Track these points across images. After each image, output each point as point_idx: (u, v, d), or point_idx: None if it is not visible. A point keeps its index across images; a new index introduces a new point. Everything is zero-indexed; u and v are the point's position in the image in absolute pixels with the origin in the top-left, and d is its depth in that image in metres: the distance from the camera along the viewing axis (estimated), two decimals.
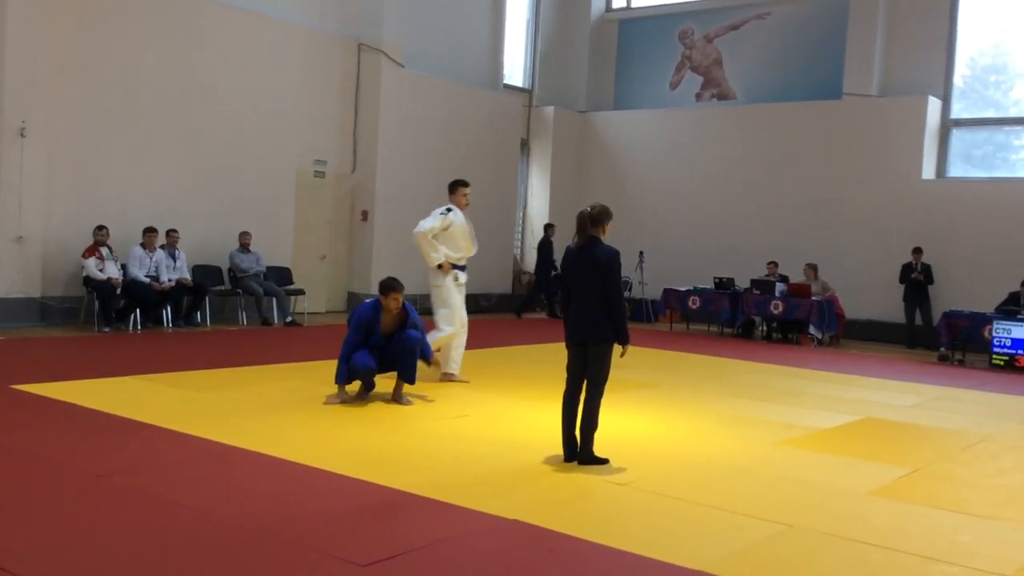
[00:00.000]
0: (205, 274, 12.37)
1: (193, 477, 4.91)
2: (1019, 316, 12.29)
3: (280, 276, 13.15)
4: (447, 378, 8.36)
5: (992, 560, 4.21)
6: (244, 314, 12.52)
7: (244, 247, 12.57)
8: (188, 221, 12.23)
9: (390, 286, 7.14)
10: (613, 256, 5.55)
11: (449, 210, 8.41)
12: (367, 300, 7.47)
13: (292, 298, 13.04)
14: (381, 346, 7.24)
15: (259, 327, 12.18)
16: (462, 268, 8.52)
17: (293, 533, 4.08)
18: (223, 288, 12.55)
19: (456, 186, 8.52)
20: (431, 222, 8.32)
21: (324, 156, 14.45)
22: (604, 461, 5.54)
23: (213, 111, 12.69)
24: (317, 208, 14.42)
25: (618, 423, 6.74)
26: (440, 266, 8.31)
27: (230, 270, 12.58)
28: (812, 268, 14.67)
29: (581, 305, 5.58)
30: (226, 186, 12.90)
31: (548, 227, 16.76)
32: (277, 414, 6.58)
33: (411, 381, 7.27)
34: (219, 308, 12.49)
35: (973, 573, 4.02)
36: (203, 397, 7.07)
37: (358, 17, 14.71)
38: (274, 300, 12.59)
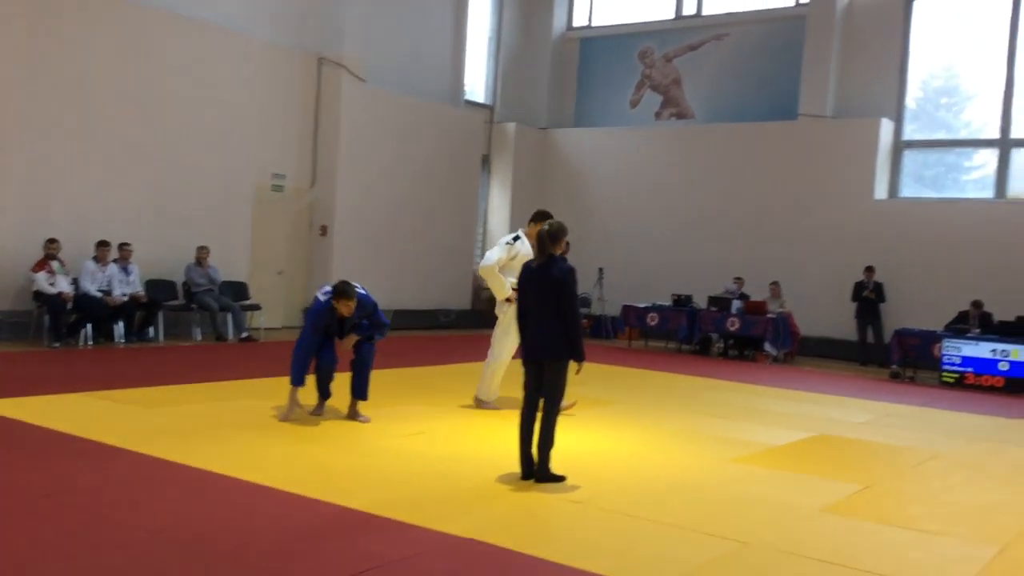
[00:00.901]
0: (159, 288, 12.19)
1: (143, 497, 4.82)
2: (968, 335, 12.54)
3: (236, 291, 13.00)
4: (481, 405, 8.06)
5: None
6: (198, 329, 12.34)
7: (200, 262, 12.41)
8: (142, 235, 12.05)
9: (343, 291, 6.99)
10: (569, 274, 5.58)
11: (517, 238, 8.03)
12: (322, 296, 7.16)
13: (248, 313, 12.90)
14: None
15: (213, 343, 12.02)
16: None
17: (245, 554, 4.01)
18: (177, 303, 12.38)
19: (538, 218, 7.73)
20: (497, 253, 7.92)
21: (283, 170, 14.35)
22: (561, 478, 5.54)
23: (168, 124, 12.54)
24: (275, 222, 14.30)
25: (576, 440, 6.75)
26: (509, 299, 7.86)
27: (185, 284, 12.41)
28: (775, 285, 14.87)
29: (538, 323, 5.59)
30: (181, 200, 12.74)
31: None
32: (229, 432, 6.49)
33: (363, 396, 7.23)
34: (173, 323, 12.31)
35: None
36: (154, 414, 6.95)
37: (319, 31, 14.66)
38: (229, 315, 12.44)
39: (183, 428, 6.51)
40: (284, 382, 8.72)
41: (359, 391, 7.21)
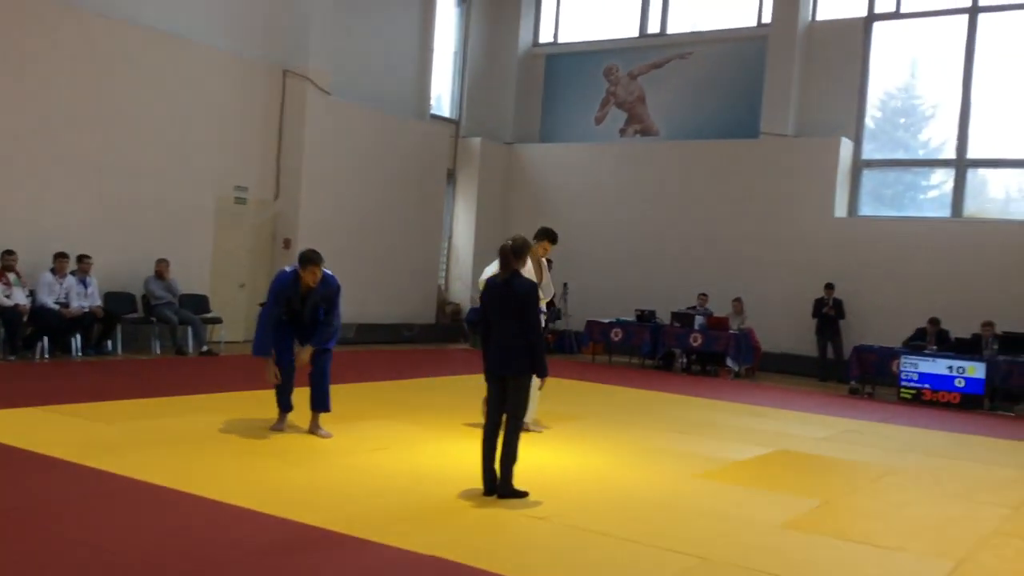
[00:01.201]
0: (118, 301, 12.01)
1: (98, 513, 4.73)
2: (925, 351, 12.74)
3: (197, 304, 12.85)
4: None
5: None
6: (158, 343, 12.17)
7: (159, 274, 12.25)
8: (101, 247, 11.88)
9: (309, 258, 6.82)
10: (532, 289, 5.59)
11: None
12: (288, 268, 7.07)
13: (209, 327, 12.75)
14: (300, 330, 7.05)
15: (173, 356, 11.86)
16: None
17: (202, 573, 3.95)
18: (136, 316, 12.20)
19: (542, 236, 7.82)
20: (491, 269, 7.59)
21: (245, 183, 14.24)
22: (524, 494, 5.53)
23: (128, 135, 12.40)
24: (237, 235, 14.17)
25: (539, 456, 6.75)
26: None
27: (144, 297, 12.25)
28: (738, 301, 15.01)
29: (501, 339, 5.59)
30: (141, 211, 12.59)
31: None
32: (187, 447, 6.40)
33: (325, 408, 7.11)
34: (132, 336, 12.13)
35: None
36: (111, 429, 6.83)
37: (284, 43, 14.60)
38: (189, 329, 12.29)
39: (139, 443, 6.41)
40: (245, 396, 8.65)
41: (320, 403, 7.11)
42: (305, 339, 7.08)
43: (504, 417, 5.60)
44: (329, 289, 7.03)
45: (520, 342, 5.52)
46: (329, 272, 7.04)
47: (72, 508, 4.78)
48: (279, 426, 7.20)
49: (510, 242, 5.68)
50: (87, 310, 11.16)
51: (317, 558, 4.26)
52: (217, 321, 12.98)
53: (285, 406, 7.24)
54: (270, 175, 14.65)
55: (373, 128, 15.79)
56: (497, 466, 5.56)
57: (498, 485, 5.54)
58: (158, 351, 12.06)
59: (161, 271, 12.25)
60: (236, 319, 13.91)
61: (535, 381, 5.69)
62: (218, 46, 13.61)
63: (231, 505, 4.98)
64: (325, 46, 14.86)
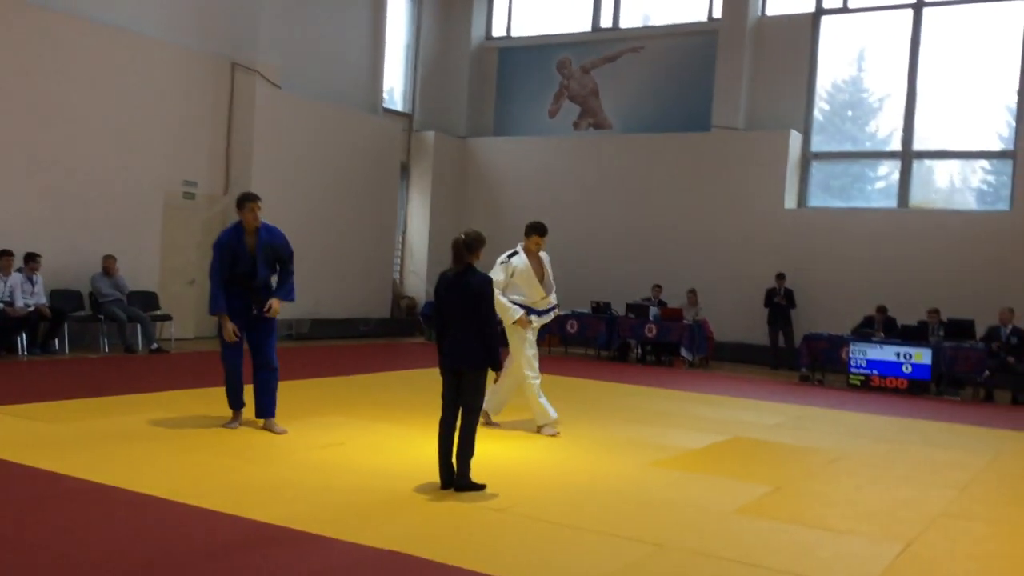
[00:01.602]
0: (64, 299, 11.77)
1: (50, 516, 4.62)
2: (873, 339, 12.99)
3: (145, 301, 12.64)
4: (542, 431, 7.65)
5: (850, 574, 4.39)
6: (106, 341, 11.94)
7: (107, 271, 12.02)
8: (46, 243, 11.62)
9: (245, 196, 6.92)
10: (486, 283, 5.59)
11: (513, 255, 7.75)
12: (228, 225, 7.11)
13: (158, 324, 12.55)
14: (255, 295, 7.00)
15: (122, 354, 11.64)
16: (538, 313, 7.78)
17: (156, 573, 3.89)
18: (83, 314, 11.96)
19: (531, 231, 7.79)
20: (495, 276, 7.48)
21: (194, 177, 14.01)
22: (481, 487, 5.53)
23: (74, 130, 12.14)
24: (186, 231, 13.95)
25: (496, 448, 6.75)
26: (518, 322, 7.57)
27: (91, 295, 12.00)
28: (693, 293, 15.16)
29: (456, 333, 5.57)
30: (87, 207, 12.33)
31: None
32: (138, 446, 6.29)
33: (271, 415, 7.07)
34: (79, 335, 11.89)
35: None
36: (59, 430, 6.69)
37: (232, 36, 14.38)
38: (139, 326, 12.07)
39: (89, 443, 6.28)
40: (198, 394, 8.54)
41: (266, 411, 7.03)
42: (261, 304, 6.98)
43: (460, 411, 5.59)
44: (276, 239, 7.04)
45: (474, 337, 5.51)
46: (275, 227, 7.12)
47: (27, 512, 4.67)
48: (233, 424, 7.12)
49: (463, 236, 5.65)
50: (32, 309, 10.91)
51: (273, 556, 4.22)
52: (167, 318, 12.78)
53: (237, 404, 7.17)
54: (219, 170, 14.44)
55: (324, 122, 15.64)
56: (454, 460, 5.55)
57: (455, 478, 5.53)
58: (107, 349, 11.83)
59: (108, 268, 12.02)
60: (186, 316, 13.71)
61: (489, 374, 5.69)
62: (165, 39, 13.36)
63: (184, 504, 4.91)
64: (274, 39, 14.68)
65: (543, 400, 7.66)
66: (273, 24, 14.65)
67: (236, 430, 7.00)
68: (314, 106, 15.47)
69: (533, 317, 7.73)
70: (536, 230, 7.78)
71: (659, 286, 15.58)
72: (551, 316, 7.99)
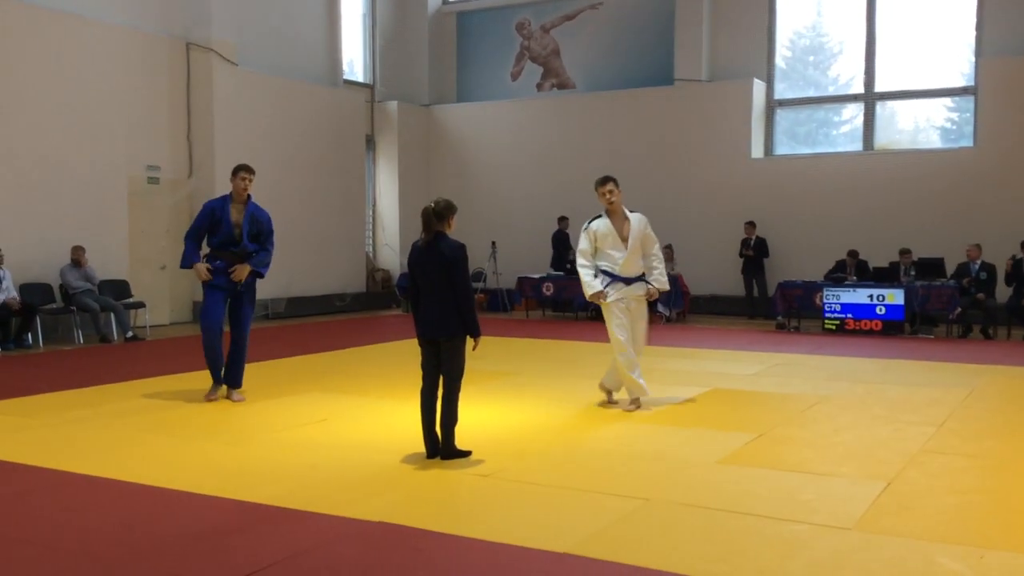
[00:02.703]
0: (34, 292, 11.61)
1: (31, 509, 4.60)
2: (846, 283, 13.12)
3: (117, 290, 12.50)
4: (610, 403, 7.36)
5: (833, 515, 4.47)
6: (80, 332, 11.82)
7: (76, 262, 11.86)
8: (11, 237, 11.44)
9: (240, 166, 7.30)
10: (459, 250, 5.56)
11: (597, 217, 7.25)
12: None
13: (132, 312, 12.43)
14: (231, 298, 7.40)
15: (97, 345, 11.53)
16: (625, 281, 7.18)
17: (144, 559, 3.89)
18: (55, 306, 11.82)
19: (595, 185, 7.28)
20: (580, 245, 7.21)
21: (157, 162, 13.81)
22: (467, 453, 5.56)
23: (30, 120, 11.90)
24: (153, 216, 13.78)
25: (479, 414, 6.77)
26: (597, 295, 7.15)
27: (62, 287, 11.86)
28: (668, 249, 15.19)
29: (430, 302, 5.56)
30: (50, 199, 12.13)
31: (561, 219, 15.98)
32: (118, 435, 6.26)
33: (238, 384, 7.50)
34: (52, 327, 11.76)
35: (817, 529, 4.26)
36: (36, 423, 6.63)
37: (185, 15, 14.11)
38: (112, 315, 11.95)
39: (67, 435, 6.24)
40: (176, 380, 8.50)
41: (235, 380, 7.45)
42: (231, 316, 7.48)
43: (441, 380, 5.60)
44: (261, 214, 7.45)
45: (449, 304, 5.50)
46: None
47: (8, 506, 4.64)
48: (212, 395, 7.38)
49: (432, 204, 5.61)
50: (2, 303, 10.76)
51: (264, 534, 4.22)
52: (140, 306, 12.66)
53: (217, 378, 7.45)
54: (182, 152, 14.24)
55: (285, 98, 15.44)
56: (438, 429, 5.57)
57: (440, 447, 5.55)
58: (81, 340, 11.72)
59: (78, 259, 11.86)
60: (160, 302, 13.60)
61: (469, 342, 5.69)
62: (115, 21, 13.09)
63: (170, 489, 4.90)
64: (228, 16, 14.41)
65: (633, 374, 7.13)
66: (226, 1, 14.37)
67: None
68: (273, 82, 15.26)
69: (620, 286, 7.14)
70: (599, 180, 7.29)
71: None
72: (644, 286, 7.26)
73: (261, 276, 7.45)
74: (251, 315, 7.53)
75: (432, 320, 5.55)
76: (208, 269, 7.22)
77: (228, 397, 7.41)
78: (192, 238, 7.34)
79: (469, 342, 5.63)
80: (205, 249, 7.45)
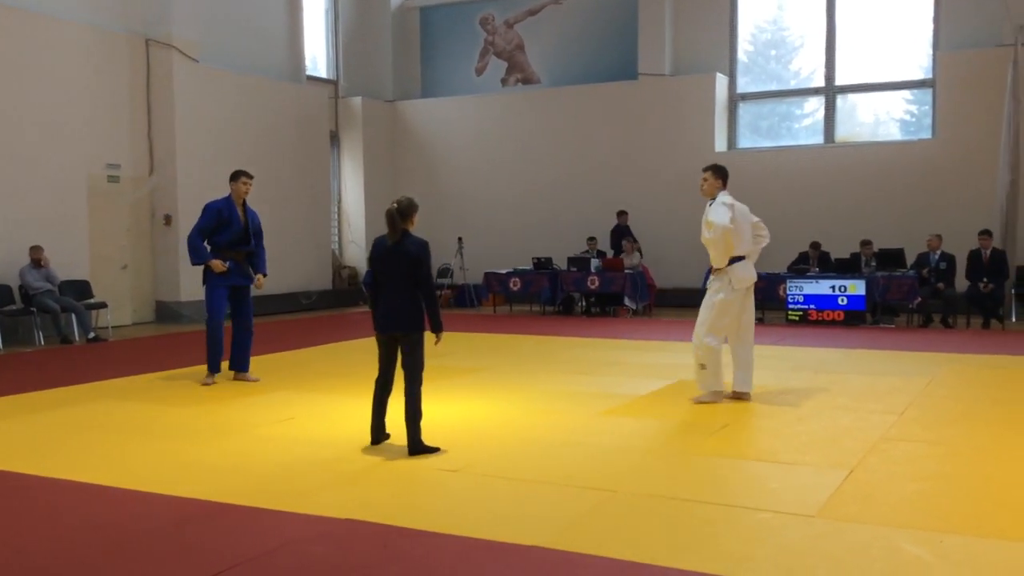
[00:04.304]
0: None
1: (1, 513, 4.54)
2: (809, 274, 13.28)
3: (78, 290, 12.33)
4: (736, 396, 7.18)
5: (797, 503, 4.54)
6: (40, 334, 11.64)
7: (36, 262, 11.68)
8: None
9: (239, 171, 8.06)
10: (423, 247, 5.63)
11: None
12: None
13: (93, 312, 12.26)
14: (232, 293, 8.17)
15: (59, 346, 11.37)
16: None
17: (112, 560, 3.85)
18: (15, 308, 11.63)
19: (720, 172, 7.40)
20: (727, 212, 7.04)
21: (117, 159, 13.63)
22: (435, 450, 5.56)
23: None
24: (114, 215, 13.60)
25: (447, 410, 6.77)
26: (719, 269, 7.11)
27: (21, 288, 11.67)
28: (630, 242, 15.28)
29: (391, 297, 5.61)
30: (8, 198, 11.93)
31: (621, 213, 15.77)
32: (84, 436, 6.18)
33: (245, 369, 8.23)
34: (12, 329, 11.57)
35: (782, 517, 4.32)
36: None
37: (144, 11, 13.93)
38: (73, 316, 11.78)
39: (30, 438, 6.16)
40: (140, 380, 8.42)
41: (242, 365, 8.20)
42: (247, 272, 8.27)
43: (403, 376, 5.63)
44: (255, 216, 8.29)
45: (408, 300, 5.56)
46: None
47: None
48: (209, 381, 8.00)
49: (395, 205, 5.66)
50: None
51: (233, 533, 4.20)
52: (102, 306, 12.49)
53: (216, 368, 8.07)
54: (142, 150, 14.06)
55: (247, 94, 15.30)
56: (404, 422, 5.59)
57: (407, 443, 5.57)
58: (42, 342, 11.54)
59: (37, 259, 11.68)
60: (122, 302, 13.43)
61: (431, 336, 5.73)
62: (75, 19, 12.88)
63: (137, 491, 4.85)
64: (188, 12, 14.24)
65: (729, 373, 7.17)
66: None
67: (186, 409, 6.93)
68: (235, 78, 15.11)
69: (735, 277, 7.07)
70: (723, 173, 7.41)
71: (593, 238, 15.67)
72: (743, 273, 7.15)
73: (265, 275, 8.39)
74: (252, 308, 8.37)
75: (391, 315, 5.60)
76: (222, 263, 7.97)
77: (243, 379, 8.15)
78: (199, 237, 7.96)
79: (430, 338, 5.66)
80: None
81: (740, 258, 7.16)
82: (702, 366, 7.09)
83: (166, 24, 13.95)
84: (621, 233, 15.70)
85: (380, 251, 5.68)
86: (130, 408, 7.11)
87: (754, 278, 7.26)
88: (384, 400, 5.69)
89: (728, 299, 7.12)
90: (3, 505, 4.71)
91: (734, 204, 7.20)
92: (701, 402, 7.12)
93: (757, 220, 7.44)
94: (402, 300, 5.56)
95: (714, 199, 7.29)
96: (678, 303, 15.69)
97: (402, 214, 5.61)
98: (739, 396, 7.21)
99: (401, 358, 5.63)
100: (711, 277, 7.32)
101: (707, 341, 7.12)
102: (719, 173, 7.43)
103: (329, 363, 9.71)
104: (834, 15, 15.48)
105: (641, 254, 15.26)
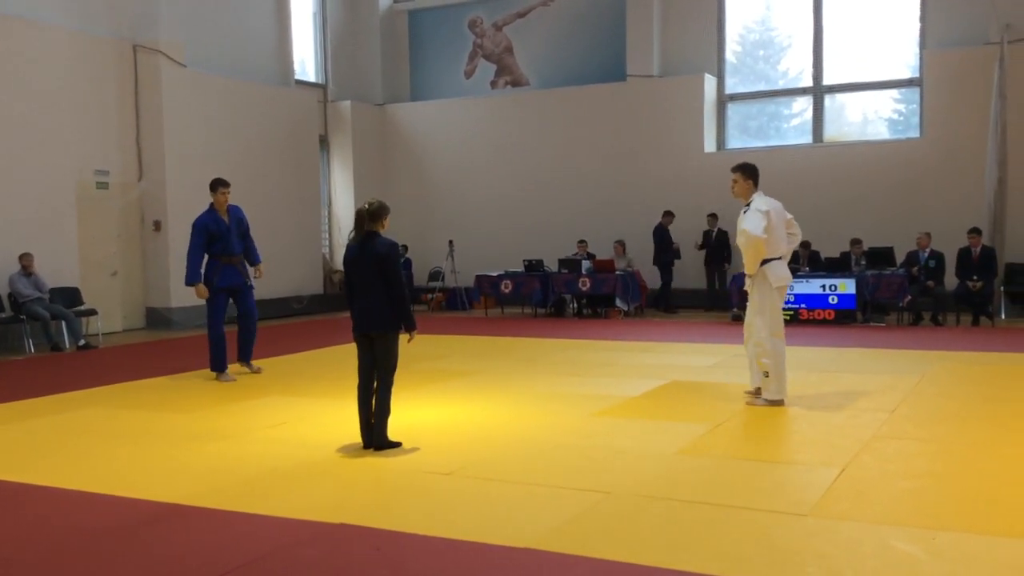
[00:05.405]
0: None
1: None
2: (799, 273, 13.30)
3: (68, 297, 12.27)
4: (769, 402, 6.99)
5: (790, 502, 4.55)
6: (30, 341, 11.59)
7: (25, 270, 11.63)
8: None
9: (218, 181, 8.51)
10: (391, 248, 5.77)
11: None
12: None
13: (83, 320, 12.21)
14: (233, 294, 8.66)
15: (49, 353, 11.32)
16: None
17: (103, 567, 3.83)
18: (4, 315, 11.58)
19: (749, 171, 7.29)
20: (761, 220, 6.95)
21: (106, 166, 13.58)
22: (397, 444, 5.72)
23: None
24: (103, 221, 13.55)
25: (439, 413, 6.77)
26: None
27: (10, 296, 11.61)
28: (620, 244, 15.29)
29: (363, 298, 5.75)
30: None
31: (667, 214, 15.42)
32: (73, 443, 6.15)
33: (248, 359, 8.84)
34: (2, 337, 11.53)
35: (775, 516, 4.33)
36: None
37: (131, 16, 13.88)
38: (63, 323, 11.73)
39: (28, 445, 6.13)
40: (130, 387, 8.39)
41: (247, 355, 8.82)
42: (244, 274, 8.74)
43: (376, 373, 5.79)
44: (240, 213, 8.75)
45: (380, 300, 5.69)
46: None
47: None
48: (230, 378, 8.46)
49: (367, 205, 5.83)
50: None
51: (226, 538, 4.18)
52: (92, 313, 12.44)
53: (222, 366, 8.48)
54: (131, 156, 14.01)
55: (236, 99, 15.26)
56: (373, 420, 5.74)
57: (373, 437, 5.70)
58: (32, 350, 11.49)
59: (27, 266, 11.63)
60: (112, 309, 13.38)
61: (404, 335, 5.86)
62: (62, 25, 12.83)
63: (126, 497, 4.83)
64: (175, 17, 14.19)
65: (755, 366, 7.12)
66: (174, 2, 14.16)
67: (179, 416, 6.90)
68: (223, 83, 15.07)
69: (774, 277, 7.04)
70: (753, 173, 7.29)
71: (584, 241, 15.67)
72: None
73: (260, 262, 8.95)
74: (254, 300, 8.88)
75: (365, 316, 5.75)
76: (204, 291, 8.42)
77: (247, 368, 8.81)
78: (197, 255, 8.36)
79: (403, 337, 5.79)
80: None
81: (775, 258, 7.08)
82: (765, 374, 6.98)
83: (154, 29, 13.91)
84: (663, 234, 15.49)
85: (351, 254, 5.83)
86: (121, 415, 7.08)
87: (790, 278, 7.17)
88: (368, 400, 5.79)
89: (773, 300, 7.13)
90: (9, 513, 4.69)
91: (770, 211, 7.02)
92: (756, 404, 6.96)
93: (790, 217, 7.36)
94: (375, 301, 5.70)
95: (749, 204, 7.15)
96: (670, 303, 15.70)
97: (373, 216, 5.76)
98: (758, 394, 7.15)
99: (376, 357, 5.76)
100: (747, 281, 7.30)
101: (774, 345, 7.02)
102: (749, 173, 7.27)
103: (320, 368, 9.69)
104: (821, 15, 15.53)
105: (626, 249, 15.21)
